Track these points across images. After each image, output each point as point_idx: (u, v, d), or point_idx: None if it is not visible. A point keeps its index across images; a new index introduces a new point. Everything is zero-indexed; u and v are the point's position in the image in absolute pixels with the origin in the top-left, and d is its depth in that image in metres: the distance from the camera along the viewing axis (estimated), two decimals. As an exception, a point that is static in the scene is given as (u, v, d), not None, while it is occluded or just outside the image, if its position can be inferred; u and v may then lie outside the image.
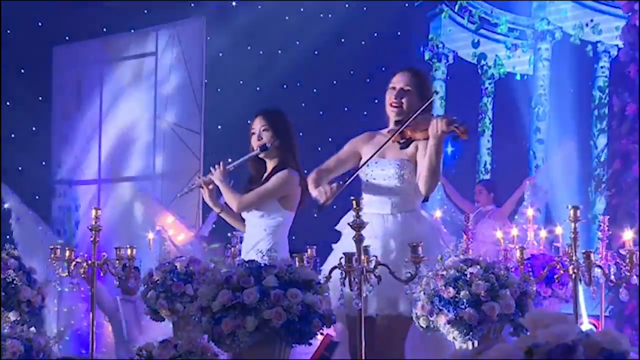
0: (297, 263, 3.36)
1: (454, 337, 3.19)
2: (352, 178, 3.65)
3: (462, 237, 4.34)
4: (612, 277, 3.71)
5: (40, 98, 8.82)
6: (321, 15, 9.40)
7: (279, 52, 9.23)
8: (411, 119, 3.62)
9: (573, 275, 3.54)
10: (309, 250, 4.14)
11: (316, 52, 9.32)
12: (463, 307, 3.14)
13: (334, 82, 9.39)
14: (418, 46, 10.09)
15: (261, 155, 4.17)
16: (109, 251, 4.10)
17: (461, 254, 3.44)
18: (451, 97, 9.80)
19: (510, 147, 9.30)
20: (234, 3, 9.21)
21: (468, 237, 4.32)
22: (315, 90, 9.35)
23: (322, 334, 3.38)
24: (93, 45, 8.71)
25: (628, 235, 3.79)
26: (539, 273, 4.53)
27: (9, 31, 8.37)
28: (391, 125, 3.78)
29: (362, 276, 3.11)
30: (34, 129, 8.77)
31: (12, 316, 3.96)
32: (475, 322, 3.14)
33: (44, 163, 8.79)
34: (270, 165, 4.19)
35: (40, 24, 8.71)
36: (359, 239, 3.16)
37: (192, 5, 8.80)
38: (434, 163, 3.56)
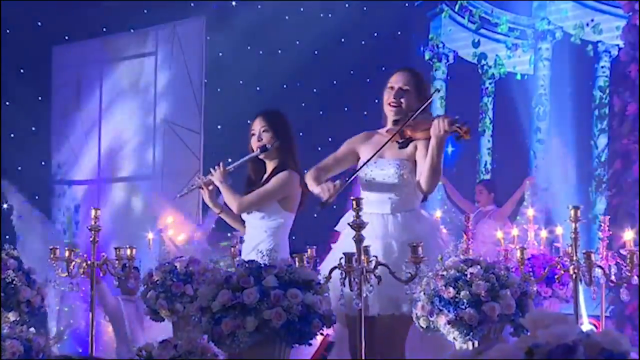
0: (297, 263, 3.35)
1: (454, 338, 3.18)
2: (353, 176, 3.64)
3: (462, 238, 4.34)
4: (613, 277, 3.71)
5: (40, 98, 8.82)
6: (321, 15, 9.40)
7: (279, 52, 9.22)
8: (411, 118, 3.61)
9: (573, 276, 3.54)
10: (309, 250, 4.14)
11: (316, 52, 9.31)
12: (463, 307, 3.13)
13: (334, 82, 9.38)
14: (418, 46, 10.08)
15: (261, 157, 4.16)
16: (109, 251, 4.10)
17: (461, 254, 3.44)
18: (451, 97, 9.79)
19: (511, 147, 9.29)
20: (233, 3, 9.21)
21: (468, 237, 4.31)
22: (315, 90, 9.34)
23: (322, 334, 3.38)
24: (92, 45, 8.71)
25: (628, 235, 3.79)
26: (539, 273, 4.53)
27: (8, 31, 8.37)
28: (389, 125, 3.78)
29: (362, 276, 3.10)
30: (33, 128, 8.77)
31: (11, 316, 3.96)
32: (475, 322, 3.13)
33: (43, 163, 8.79)
34: (270, 166, 4.18)
35: (39, 23, 8.71)
36: (359, 239, 3.16)
37: (192, 5, 8.80)
38: (435, 163, 3.56)
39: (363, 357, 3.18)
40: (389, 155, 3.71)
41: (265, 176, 4.17)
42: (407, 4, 9.96)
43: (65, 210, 8.67)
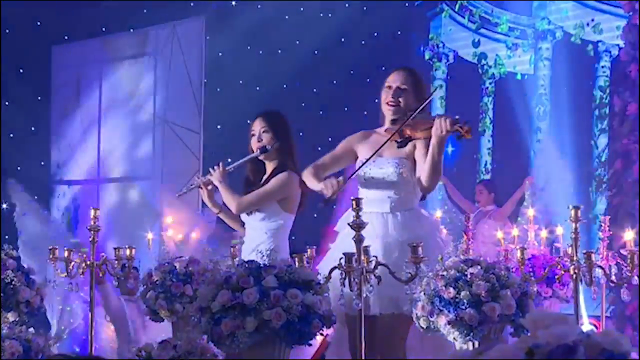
0: (297, 263, 3.35)
1: (454, 338, 3.18)
2: (354, 173, 3.63)
3: (462, 238, 4.33)
4: (613, 277, 3.70)
5: (39, 98, 8.82)
6: (321, 15, 9.39)
7: (279, 51, 9.22)
8: (411, 117, 3.61)
9: (574, 276, 3.53)
10: (309, 250, 4.14)
11: (316, 52, 9.31)
12: (463, 307, 3.13)
13: (334, 82, 9.38)
14: (418, 46, 10.08)
15: (260, 157, 4.16)
16: (108, 251, 4.10)
17: (461, 254, 3.43)
18: (451, 97, 9.79)
19: (511, 147, 9.28)
20: (233, 3, 9.21)
21: (468, 237, 4.31)
22: (315, 90, 9.34)
23: (322, 334, 3.37)
24: (92, 45, 8.71)
25: (629, 235, 3.79)
26: (539, 273, 4.52)
27: (7, 30, 8.37)
28: (387, 124, 3.78)
29: (362, 276, 3.10)
30: (32, 128, 8.77)
31: (10, 317, 3.95)
32: (475, 322, 3.13)
33: (42, 163, 8.79)
34: (269, 167, 4.18)
35: (39, 23, 8.71)
36: (359, 239, 3.15)
37: (192, 4, 8.80)
38: (436, 162, 3.55)
39: (363, 357, 3.18)
40: (388, 154, 3.70)
41: (265, 177, 4.17)
42: (407, 4, 9.96)
43: (65, 210, 8.66)
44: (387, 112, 3.77)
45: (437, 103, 9.69)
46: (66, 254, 3.93)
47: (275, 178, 4.08)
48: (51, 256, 3.94)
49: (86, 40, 8.73)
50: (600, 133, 8.98)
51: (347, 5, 9.48)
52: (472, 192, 7.91)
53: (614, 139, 7.17)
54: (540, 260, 4.87)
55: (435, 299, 3.17)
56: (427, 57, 10.04)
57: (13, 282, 3.97)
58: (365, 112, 8.49)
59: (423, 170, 3.60)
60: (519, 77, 9.71)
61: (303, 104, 8.94)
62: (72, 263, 3.90)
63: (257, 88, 8.93)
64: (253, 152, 4.15)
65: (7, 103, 8.46)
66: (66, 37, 8.91)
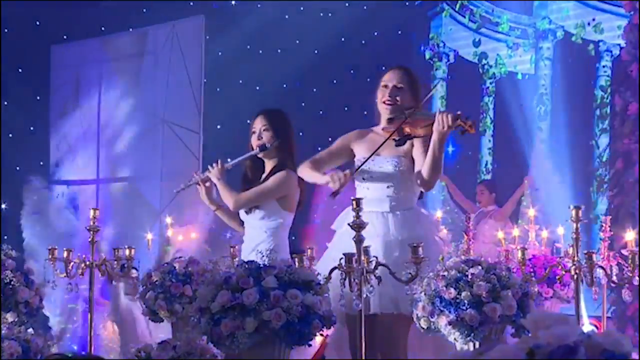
0: (297, 264, 3.34)
1: (455, 339, 3.17)
2: (360, 166, 3.62)
3: (463, 238, 4.32)
4: (614, 277, 3.69)
5: (38, 97, 8.82)
6: (321, 14, 9.39)
7: (279, 51, 9.22)
8: (413, 113, 3.60)
9: (575, 276, 3.52)
10: (308, 250, 4.13)
11: (316, 52, 9.31)
12: (464, 308, 3.12)
13: (334, 81, 9.38)
14: (419, 45, 10.07)
15: (260, 155, 4.15)
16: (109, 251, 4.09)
17: (462, 254, 3.42)
18: (452, 97, 9.79)
19: (512, 147, 9.28)
20: (233, 2, 9.21)
21: (469, 237, 4.30)
22: (315, 90, 9.34)
23: (322, 335, 3.36)
24: (91, 45, 8.70)
25: (630, 235, 3.78)
26: (540, 274, 4.51)
27: (6, 30, 8.37)
28: (383, 123, 3.77)
29: (362, 277, 3.09)
30: (31, 128, 8.77)
31: (10, 317, 3.94)
32: (476, 323, 3.12)
33: (41, 163, 8.78)
34: (268, 165, 4.17)
35: (38, 23, 8.71)
36: (359, 239, 3.14)
37: (191, 4, 8.80)
38: (437, 159, 3.54)
39: (363, 357, 3.17)
40: (386, 153, 3.69)
41: (264, 175, 4.16)
42: (407, 3, 9.96)
43: (64, 210, 8.65)
44: (384, 111, 3.76)
45: (437, 103, 9.69)
46: (65, 254, 3.92)
47: (274, 176, 4.07)
48: (50, 256, 3.94)
49: (85, 39, 8.73)
50: (601, 133, 8.98)
51: (347, 5, 9.47)
52: (473, 192, 7.91)
53: (615, 139, 7.15)
54: (541, 260, 4.86)
55: (436, 300, 3.16)
56: (427, 56, 10.03)
57: (12, 283, 3.96)
58: (365, 112, 8.48)
59: (423, 167, 3.59)
60: (519, 76, 9.70)
61: (303, 104, 8.94)
62: (72, 263, 3.89)
63: (257, 88, 8.93)
64: (253, 149, 4.15)
65: (6, 103, 8.46)
66: (65, 37, 8.91)
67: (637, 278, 3.59)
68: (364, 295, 3.12)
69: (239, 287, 3.13)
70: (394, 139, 3.63)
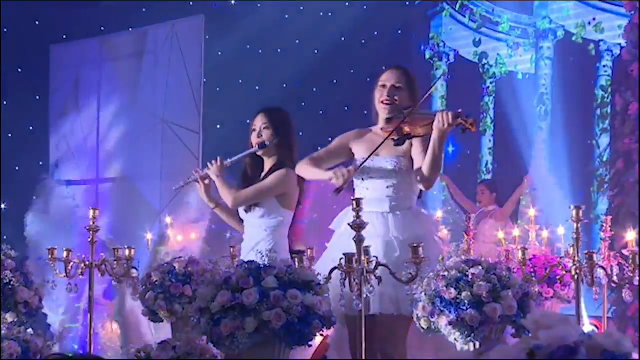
0: (297, 264, 3.33)
1: (455, 339, 3.16)
2: (363, 163, 3.61)
3: (463, 238, 4.32)
4: (615, 278, 3.68)
5: (38, 97, 8.82)
6: (321, 14, 9.39)
7: (279, 51, 9.22)
8: (409, 114, 3.60)
9: (575, 276, 3.51)
10: (309, 250, 4.12)
11: (316, 51, 9.30)
12: (464, 308, 3.11)
13: (334, 81, 9.37)
14: (419, 45, 10.07)
15: (259, 153, 4.14)
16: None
17: (463, 254, 3.41)
18: (452, 97, 9.78)
19: (512, 147, 9.27)
20: (233, 2, 9.21)
21: (469, 237, 4.29)
22: (315, 90, 9.33)
23: (322, 335, 3.36)
24: (91, 44, 8.70)
25: (631, 235, 3.77)
26: (541, 274, 4.50)
27: (6, 30, 8.37)
28: (381, 123, 3.76)
29: (362, 277, 3.08)
30: (31, 128, 8.76)
31: (9, 317, 3.94)
32: (476, 323, 3.11)
33: (41, 163, 8.78)
34: (268, 163, 4.17)
35: (37, 22, 8.70)
36: (359, 240, 3.13)
37: (191, 4, 8.79)
38: (437, 157, 3.54)
39: (363, 357, 3.16)
40: (385, 153, 3.69)
41: (264, 174, 4.15)
42: (407, 3, 9.95)
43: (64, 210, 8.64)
44: (382, 111, 3.76)
45: (438, 102, 9.68)
46: (65, 254, 3.92)
47: (273, 174, 4.07)
48: (50, 256, 3.93)
49: (85, 39, 8.73)
50: (601, 133, 8.97)
51: (347, 4, 9.47)
52: (474, 192, 7.90)
53: (616, 139, 7.13)
54: (542, 260, 4.85)
55: (436, 300, 3.16)
56: (427, 56, 10.02)
57: (12, 283, 3.96)
58: (366, 112, 8.48)
59: (424, 165, 3.58)
60: (520, 76, 9.70)
61: (303, 104, 8.94)
62: (71, 263, 3.89)
63: (257, 88, 8.93)
64: (252, 147, 4.14)
65: (5, 102, 8.46)
66: (65, 37, 8.91)
67: (637, 278, 3.58)
68: (364, 296, 3.11)
69: (239, 287, 3.12)
70: (392, 139, 3.62)
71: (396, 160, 3.68)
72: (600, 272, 3.59)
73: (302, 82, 9.21)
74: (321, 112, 9.35)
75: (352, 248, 3.15)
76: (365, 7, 9.50)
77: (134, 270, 4.23)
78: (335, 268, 3.14)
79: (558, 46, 9.40)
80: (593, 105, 9.10)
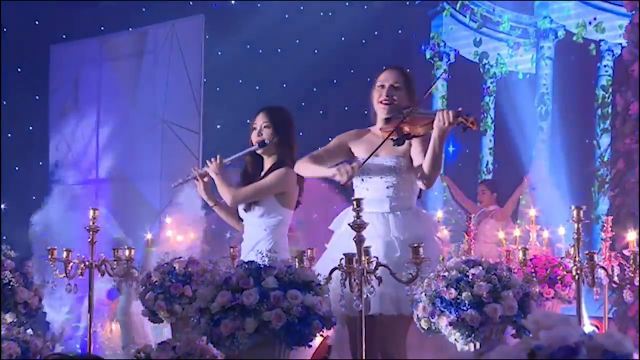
0: (297, 264, 3.32)
1: (455, 339, 3.15)
2: (366, 159, 3.60)
3: (463, 238, 4.31)
4: (616, 278, 3.67)
5: (37, 97, 8.81)
6: (321, 13, 9.39)
7: (279, 50, 9.22)
8: (409, 114, 3.59)
9: (576, 277, 3.50)
10: (309, 250, 4.11)
11: (316, 52, 9.30)
12: (465, 308, 3.10)
13: (334, 81, 9.37)
14: (419, 45, 10.06)
15: (259, 152, 4.14)
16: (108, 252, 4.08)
17: (463, 254, 3.40)
18: (452, 96, 9.78)
19: (513, 147, 9.27)
20: (233, 2, 9.20)
21: (470, 237, 4.29)
22: (315, 90, 9.33)
23: (322, 335, 3.35)
24: (90, 44, 8.70)
25: (631, 236, 3.76)
26: (541, 274, 4.50)
27: (5, 29, 8.37)
28: (380, 123, 3.76)
29: (362, 277, 3.07)
30: (30, 128, 8.76)
31: (9, 318, 3.93)
32: (477, 323, 3.10)
33: (40, 163, 8.78)
34: (268, 162, 4.16)
35: (37, 22, 8.70)
36: (359, 240, 3.13)
37: (191, 3, 8.79)
38: (437, 156, 3.54)
39: (364, 358, 3.16)
40: (385, 153, 3.69)
41: (263, 172, 4.15)
42: (408, 3, 9.95)
43: (63, 210, 8.64)
44: (381, 111, 3.75)
45: (438, 102, 9.68)
46: (65, 254, 3.91)
47: (272, 173, 4.06)
48: (50, 257, 3.92)
49: (85, 39, 8.73)
50: (602, 133, 8.96)
51: (347, 4, 9.47)
52: (474, 192, 7.90)
53: (617, 139, 7.12)
54: (542, 260, 4.84)
55: (436, 300, 3.15)
56: (428, 56, 10.02)
57: (11, 283, 3.95)
58: (366, 112, 8.47)
59: (424, 164, 3.58)
60: (520, 76, 9.69)
61: (303, 104, 8.93)
62: (71, 264, 3.88)
63: (257, 87, 8.92)
64: (253, 145, 4.14)
65: (5, 102, 8.46)
66: (64, 36, 8.91)
67: (638, 278, 3.57)
68: (364, 296, 3.10)
69: (239, 287, 3.11)
70: (392, 139, 3.61)
71: (396, 160, 3.68)
72: (601, 273, 3.59)
73: (302, 82, 9.20)
74: (321, 112, 9.34)
75: (352, 248, 3.14)
76: (365, 7, 9.50)
77: (134, 271, 4.23)
78: (335, 268, 3.14)
79: (559, 46, 9.40)
80: (594, 105, 9.09)
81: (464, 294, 3.11)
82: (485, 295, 3.11)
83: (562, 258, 3.85)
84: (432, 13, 10.10)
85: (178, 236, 6.63)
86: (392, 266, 3.21)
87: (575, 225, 3.50)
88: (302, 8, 9.24)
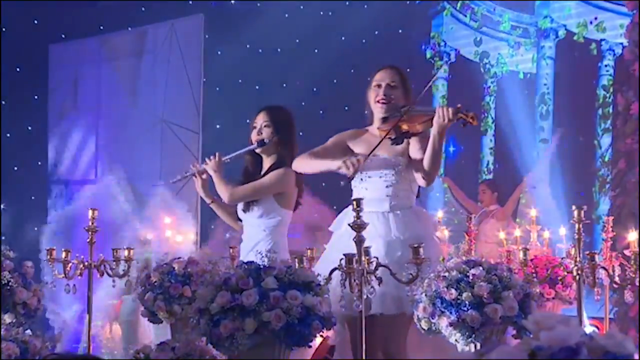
0: (296, 264, 3.31)
1: (456, 340, 3.14)
2: (369, 154, 3.59)
3: (464, 239, 4.30)
4: (617, 278, 3.66)
5: (36, 97, 8.81)
6: (321, 13, 9.38)
7: (279, 50, 9.21)
8: (406, 112, 3.59)
9: (577, 277, 3.50)
10: (308, 251, 4.10)
11: (316, 51, 9.29)
12: (465, 309, 3.10)
13: (334, 80, 9.36)
14: (420, 44, 10.05)
15: (258, 151, 4.13)
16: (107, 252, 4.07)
17: (464, 255, 3.40)
18: (453, 96, 9.77)
19: (513, 147, 9.26)
20: (232, 1, 9.19)
21: (471, 237, 4.28)
22: (315, 89, 9.32)
23: (321, 336, 3.34)
24: (90, 44, 8.70)
25: (632, 236, 3.75)
26: (542, 274, 4.49)
27: (4, 29, 8.36)
28: (377, 123, 3.76)
29: (362, 278, 3.06)
30: (29, 128, 8.75)
31: (7, 318, 3.92)
32: (477, 324, 3.09)
33: (39, 163, 8.77)
34: (267, 162, 4.15)
35: (36, 22, 8.69)
36: (359, 240, 3.12)
37: (190, 3, 8.79)
38: (437, 153, 3.53)
39: (364, 357, 3.15)
40: (383, 152, 3.68)
41: (263, 172, 4.14)
42: (408, 2, 9.95)
43: (62, 210, 8.64)
44: (378, 110, 3.75)
45: (438, 102, 9.67)
46: (64, 254, 3.90)
47: (271, 173, 4.06)
48: (49, 257, 3.91)
49: (84, 38, 8.73)
50: (603, 133, 8.95)
51: (347, 4, 9.46)
52: (475, 192, 7.89)
53: (618, 139, 7.11)
54: (543, 261, 4.83)
55: (436, 301, 3.14)
56: (428, 55, 10.02)
57: (10, 284, 3.94)
58: (366, 112, 8.46)
59: (424, 161, 3.58)
60: (521, 76, 9.68)
61: (303, 103, 8.92)
62: (70, 264, 3.87)
63: (257, 87, 8.92)
64: (252, 144, 4.13)
65: (4, 102, 8.45)
66: (64, 36, 8.90)
67: (639, 279, 3.56)
68: (365, 297, 3.09)
69: (239, 288, 3.10)
70: (390, 138, 3.61)
71: (394, 159, 3.68)
72: (602, 273, 3.58)
73: (301, 82, 9.20)
74: (321, 112, 9.33)
75: (353, 248, 3.13)
76: (365, 7, 9.49)
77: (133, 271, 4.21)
78: (335, 269, 3.13)
79: (559, 45, 9.39)
80: (595, 105, 9.09)
81: (464, 295, 3.11)
82: (485, 296, 3.11)
83: (562, 258, 3.84)
84: (433, 12, 10.10)
85: (178, 236, 6.62)
86: (394, 265, 3.20)
87: (576, 225, 3.49)
88: (302, 8, 9.24)
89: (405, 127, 3.61)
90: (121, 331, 6.65)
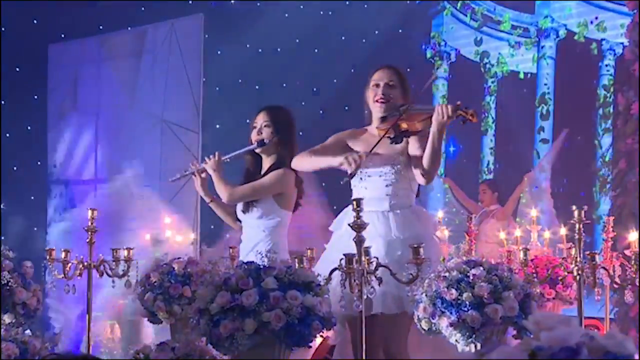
0: (296, 264, 3.31)
1: (456, 340, 3.14)
2: (370, 151, 3.58)
3: (464, 239, 4.30)
4: (617, 278, 3.66)
5: (36, 97, 8.80)
6: (321, 13, 9.38)
7: (279, 50, 9.20)
8: (405, 110, 3.58)
9: (577, 277, 3.49)
10: (308, 251, 4.10)
11: (316, 50, 9.29)
12: (465, 309, 3.09)
13: (335, 80, 9.36)
14: (420, 44, 10.05)
15: (258, 151, 4.13)
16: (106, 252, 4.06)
17: (464, 255, 3.39)
18: (453, 96, 9.76)
19: (514, 147, 9.26)
20: (232, 1, 9.19)
21: (471, 237, 4.27)
22: (315, 89, 9.32)
23: (321, 336, 3.34)
24: (89, 43, 8.70)
25: (633, 236, 3.75)
26: (542, 274, 4.48)
27: (4, 29, 8.36)
28: (375, 122, 3.76)
29: (362, 278, 3.06)
30: (29, 128, 8.75)
31: (7, 318, 3.92)
32: (478, 324, 3.09)
33: (39, 163, 8.77)
34: (267, 162, 4.15)
35: (35, 21, 8.69)
36: (359, 240, 3.11)
37: (190, 2, 8.78)
38: (436, 150, 3.53)
39: (364, 357, 3.15)
40: (382, 152, 3.68)
41: (263, 172, 4.13)
42: (408, 2, 9.94)
43: (62, 211, 8.63)
44: (377, 110, 3.75)
45: (439, 102, 9.66)
46: (63, 254, 3.90)
47: (271, 173, 4.05)
48: (48, 257, 3.91)
49: (83, 38, 8.72)
50: (604, 132, 8.95)
51: (347, 3, 9.46)
52: (475, 192, 7.89)
53: (618, 139, 7.10)
54: (543, 261, 4.83)
55: (437, 301, 3.14)
56: (428, 55, 10.01)
57: (9, 284, 3.94)
58: (366, 112, 8.45)
59: (423, 159, 3.58)
60: (521, 75, 9.68)
61: (303, 103, 8.92)
62: (69, 264, 3.87)
63: (257, 87, 8.91)
64: (252, 144, 4.12)
65: (3, 102, 8.45)
66: (63, 36, 8.90)
67: (639, 279, 3.56)
68: (365, 297, 3.09)
69: (239, 288, 3.10)
70: (389, 137, 3.61)
71: (394, 158, 3.67)
72: (602, 273, 3.57)
73: (302, 82, 9.20)
74: (321, 112, 9.33)
75: (352, 248, 3.13)
76: (365, 6, 9.49)
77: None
78: (335, 269, 3.12)
79: (560, 45, 9.39)
80: (595, 104, 9.08)
81: (464, 295, 3.10)
82: (486, 296, 3.10)
83: (563, 258, 3.84)
84: (433, 12, 10.09)
85: (177, 236, 6.62)
86: (394, 265, 3.20)
87: (577, 225, 3.49)
88: (302, 8, 9.23)
89: (404, 125, 3.61)
90: (121, 331, 6.64)
